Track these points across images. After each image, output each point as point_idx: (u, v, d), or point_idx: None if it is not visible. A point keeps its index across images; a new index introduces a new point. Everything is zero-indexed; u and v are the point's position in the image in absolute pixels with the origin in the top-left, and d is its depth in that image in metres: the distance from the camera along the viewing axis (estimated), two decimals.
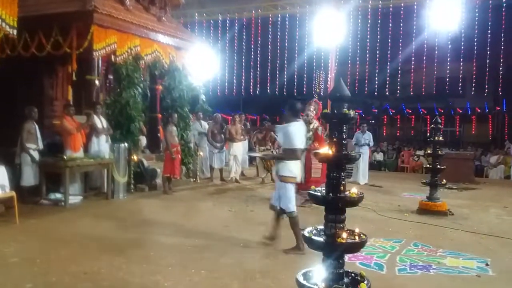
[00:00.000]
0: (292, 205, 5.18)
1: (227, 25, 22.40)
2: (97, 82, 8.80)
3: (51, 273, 4.28)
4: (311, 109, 8.34)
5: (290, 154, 5.14)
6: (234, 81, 26.61)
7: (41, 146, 7.76)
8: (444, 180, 7.97)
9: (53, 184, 7.83)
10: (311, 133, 8.16)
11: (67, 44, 8.06)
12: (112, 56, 8.72)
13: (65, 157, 7.62)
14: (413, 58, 23.00)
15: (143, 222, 6.65)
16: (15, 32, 6.74)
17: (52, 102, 9.65)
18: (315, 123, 8.32)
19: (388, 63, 23.40)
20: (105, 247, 5.21)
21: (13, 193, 6.25)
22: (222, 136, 11.22)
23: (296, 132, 5.16)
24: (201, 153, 11.11)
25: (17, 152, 7.65)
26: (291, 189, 5.19)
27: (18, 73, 8.97)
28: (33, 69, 9.10)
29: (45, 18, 7.97)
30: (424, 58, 22.96)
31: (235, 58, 25.56)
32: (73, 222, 6.47)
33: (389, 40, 22.16)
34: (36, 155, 7.61)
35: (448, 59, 22.43)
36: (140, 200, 8.28)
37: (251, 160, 13.08)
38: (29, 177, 7.54)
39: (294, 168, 5.20)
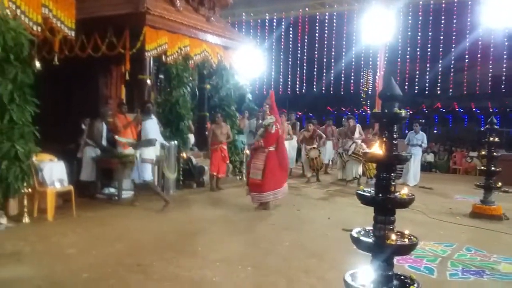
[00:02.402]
0: (147, 175, 7.22)
1: (274, 24, 22.44)
2: (148, 81, 9.09)
3: (106, 264, 4.48)
4: (265, 104, 7.46)
5: (146, 143, 7.26)
6: (281, 79, 26.65)
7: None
8: (500, 183, 7.62)
9: (108, 180, 8.20)
10: (262, 129, 7.33)
11: (121, 45, 8.36)
12: (163, 56, 8.97)
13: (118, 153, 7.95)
14: (466, 56, 22.15)
15: (191, 217, 6.82)
16: (73, 33, 7.09)
17: (106, 100, 10.05)
18: (269, 119, 7.25)
19: (440, 61, 22.65)
20: (156, 241, 5.40)
21: (71, 187, 6.59)
22: None
23: (148, 127, 7.35)
24: (248, 151, 11.20)
25: (81, 147, 8.07)
26: (148, 166, 7.24)
27: (75, 73, 9.41)
28: (89, 69, 9.50)
29: (100, 20, 8.28)
30: (479, 55, 22.04)
31: (282, 56, 25.60)
32: (127, 216, 6.74)
33: (441, 37, 21.43)
34: (95, 152, 7.97)
35: (505, 56, 21.41)
36: (189, 196, 8.49)
37: (297, 159, 13.05)
38: (88, 173, 7.91)
39: (151, 152, 7.28)
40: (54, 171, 6.42)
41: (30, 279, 4.04)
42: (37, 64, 6.88)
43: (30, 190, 6.16)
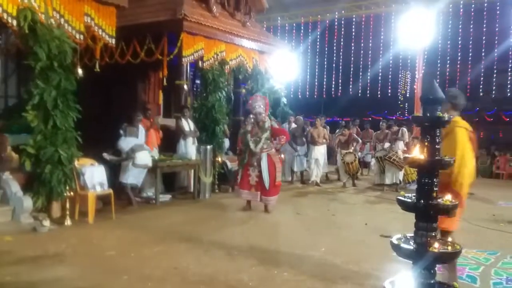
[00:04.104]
0: (126, 178, 7.50)
1: (310, 27, 22.30)
2: (185, 86, 9.23)
3: (145, 266, 4.55)
4: (262, 106, 7.36)
5: (138, 147, 7.48)
6: (316, 83, 26.44)
7: None
8: None
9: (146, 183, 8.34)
10: (268, 132, 7.34)
11: (159, 51, 8.54)
12: (199, 62, 9.09)
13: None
14: (510, 56, 21.28)
15: (227, 221, 6.87)
16: (113, 41, 7.29)
17: (145, 106, 10.27)
18: (268, 121, 7.54)
19: (482, 62, 21.85)
20: (193, 244, 5.44)
21: (111, 191, 6.75)
22: (304, 139, 11.18)
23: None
24: (282, 156, 11.15)
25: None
26: (132, 170, 7.49)
27: (115, 80, 9.67)
28: (128, 75, 9.74)
29: (139, 27, 8.50)
30: None
31: (317, 60, 25.38)
32: (164, 219, 6.85)
33: (483, 38, 20.69)
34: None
35: None
36: (224, 200, 8.53)
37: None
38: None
39: (144, 157, 7.53)
40: (95, 175, 6.60)
41: (71, 280, 4.15)
42: (80, 71, 7.12)
43: (72, 193, 6.36)
